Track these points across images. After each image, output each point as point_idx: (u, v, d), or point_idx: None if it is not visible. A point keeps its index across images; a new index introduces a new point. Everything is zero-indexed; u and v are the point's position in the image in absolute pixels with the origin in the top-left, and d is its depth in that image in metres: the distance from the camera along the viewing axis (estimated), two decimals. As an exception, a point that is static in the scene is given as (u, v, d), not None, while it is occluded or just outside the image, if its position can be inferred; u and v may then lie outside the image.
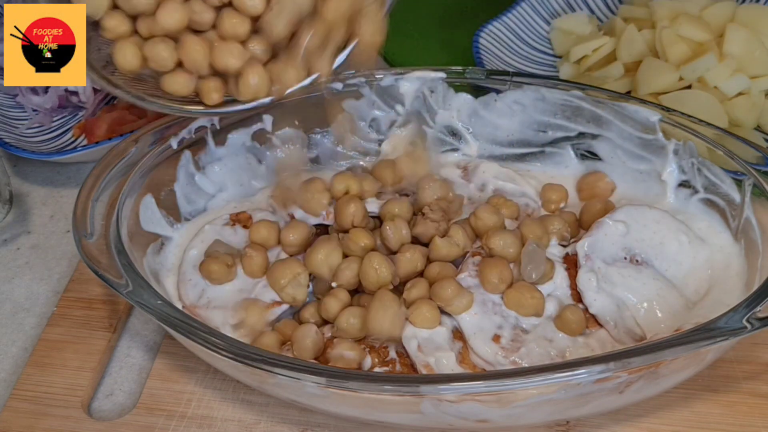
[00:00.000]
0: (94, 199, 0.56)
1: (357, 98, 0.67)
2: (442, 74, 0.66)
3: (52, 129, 0.81)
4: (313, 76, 0.55)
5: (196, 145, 0.64)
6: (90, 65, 0.54)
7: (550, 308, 0.53)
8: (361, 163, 0.69)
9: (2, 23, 0.66)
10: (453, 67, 0.67)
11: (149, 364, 0.59)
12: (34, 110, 0.83)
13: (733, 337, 0.45)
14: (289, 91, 0.55)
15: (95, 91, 0.83)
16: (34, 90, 0.83)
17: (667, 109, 0.61)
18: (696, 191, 0.61)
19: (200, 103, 0.56)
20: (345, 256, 0.56)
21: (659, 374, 0.47)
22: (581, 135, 0.65)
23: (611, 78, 0.76)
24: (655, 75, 0.71)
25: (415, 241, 0.57)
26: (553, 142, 0.66)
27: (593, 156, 0.66)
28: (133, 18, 0.53)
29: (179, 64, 0.53)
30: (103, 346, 0.60)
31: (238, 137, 0.66)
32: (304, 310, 0.56)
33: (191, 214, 0.64)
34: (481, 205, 0.58)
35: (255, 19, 0.52)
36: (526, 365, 0.50)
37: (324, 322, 0.55)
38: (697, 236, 0.58)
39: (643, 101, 0.62)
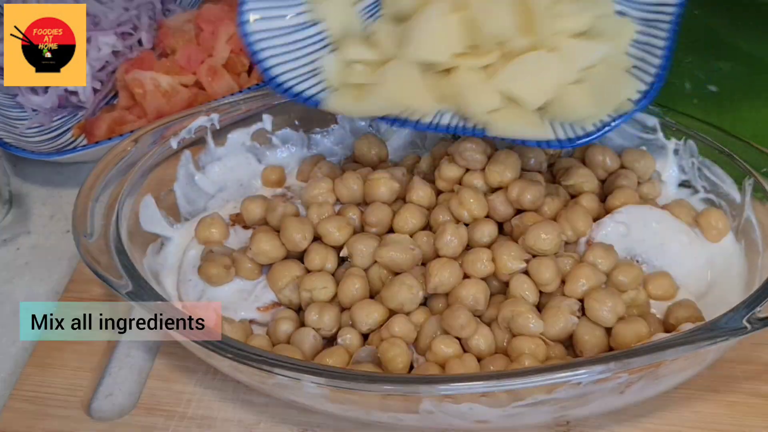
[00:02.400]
0: (94, 199, 0.56)
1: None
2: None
3: (52, 129, 0.81)
4: None
5: (196, 145, 0.64)
6: None
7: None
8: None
9: (2, 23, 0.66)
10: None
11: (149, 364, 0.59)
12: (34, 110, 0.82)
13: (733, 337, 0.45)
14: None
15: (95, 91, 0.83)
16: (33, 90, 0.83)
17: (668, 110, 0.61)
18: (696, 191, 0.61)
19: None
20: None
21: (660, 374, 0.47)
22: (581, 135, 0.65)
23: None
24: None
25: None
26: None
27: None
28: None
29: None
30: (103, 346, 0.60)
31: (238, 137, 0.66)
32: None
33: (191, 214, 0.64)
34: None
35: None
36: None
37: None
38: (698, 237, 0.58)
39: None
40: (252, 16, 0.56)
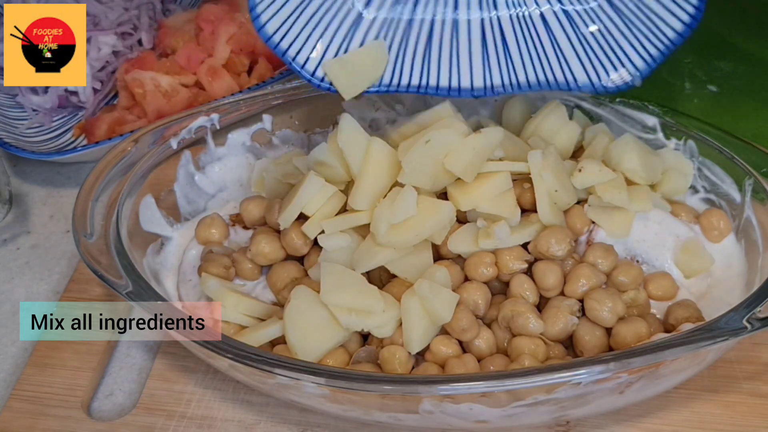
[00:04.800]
0: (94, 199, 0.56)
1: (357, 98, 0.67)
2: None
3: (52, 129, 0.81)
4: None
5: (196, 145, 0.64)
6: None
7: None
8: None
9: (2, 23, 0.66)
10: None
11: (149, 364, 0.59)
12: (34, 110, 0.82)
13: (733, 337, 0.45)
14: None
15: (95, 91, 0.83)
16: (34, 90, 0.83)
17: (668, 110, 0.61)
18: (696, 191, 0.61)
19: None
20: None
21: (659, 374, 0.47)
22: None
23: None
24: None
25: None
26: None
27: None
28: None
29: None
30: (103, 346, 0.60)
31: (238, 137, 0.66)
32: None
33: (191, 214, 0.64)
34: None
35: None
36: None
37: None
38: (698, 237, 0.57)
39: (642, 102, 0.62)
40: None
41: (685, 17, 0.54)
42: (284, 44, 0.54)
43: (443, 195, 0.55)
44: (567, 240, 0.53)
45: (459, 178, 0.53)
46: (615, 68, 0.55)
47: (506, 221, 0.53)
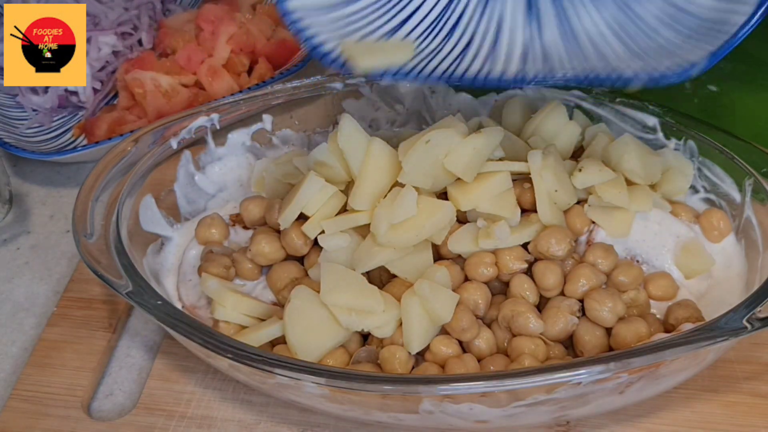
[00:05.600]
0: (94, 199, 0.56)
1: (357, 98, 0.67)
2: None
3: (52, 129, 0.81)
4: None
5: (196, 145, 0.64)
6: None
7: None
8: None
9: (2, 23, 0.66)
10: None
11: (149, 364, 0.59)
12: (34, 110, 0.83)
13: (733, 337, 0.45)
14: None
15: (95, 91, 0.83)
16: (34, 90, 0.83)
17: (668, 110, 0.61)
18: (696, 191, 0.61)
19: None
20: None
21: (659, 374, 0.47)
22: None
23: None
24: None
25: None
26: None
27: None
28: None
29: None
30: (103, 346, 0.60)
31: (238, 137, 0.66)
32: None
33: (191, 214, 0.64)
34: None
35: None
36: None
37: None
38: (698, 237, 0.57)
39: (642, 102, 0.62)
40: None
41: (747, 9, 0.48)
42: (303, 24, 0.53)
43: (443, 195, 0.55)
44: (567, 240, 0.53)
45: (459, 178, 0.53)
46: (671, 62, 0.51)
47: (506, 221, 0.53)
